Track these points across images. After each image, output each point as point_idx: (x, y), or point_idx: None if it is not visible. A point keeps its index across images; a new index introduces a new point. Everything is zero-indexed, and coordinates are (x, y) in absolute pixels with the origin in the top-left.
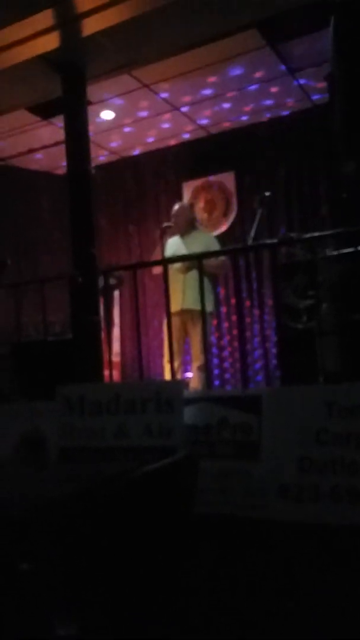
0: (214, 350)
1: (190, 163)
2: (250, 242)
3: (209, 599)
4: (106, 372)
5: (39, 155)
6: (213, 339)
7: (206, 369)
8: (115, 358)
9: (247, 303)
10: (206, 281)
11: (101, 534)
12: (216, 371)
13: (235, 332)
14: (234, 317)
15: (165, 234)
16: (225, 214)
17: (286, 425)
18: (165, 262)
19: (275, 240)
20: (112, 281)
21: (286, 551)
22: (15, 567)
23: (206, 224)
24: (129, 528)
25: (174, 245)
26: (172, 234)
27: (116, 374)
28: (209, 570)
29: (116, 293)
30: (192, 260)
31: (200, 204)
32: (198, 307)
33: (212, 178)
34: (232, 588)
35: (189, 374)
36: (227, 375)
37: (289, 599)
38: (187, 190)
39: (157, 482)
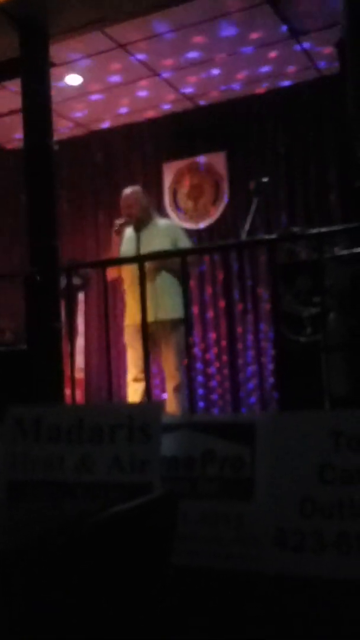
0: (198, 365)
1: (173, 140)
2: (244, 237)
3: None
4: (67, 391)
5: (18, 135)
6: (197, 351)
7: (186, 388)
8: (79, 374)
9: (240, 307)
10: (176, 284)
11: (58, 592)
12: (200, 391)
13: (224, 343)
14: (223, 324)
15: (119, 232)
16: (214, 202)
17: (285, 460)
18: (142, 259)
19: (274, 236)
20: (77, 281)
21: (285, 611)
22: None
23: (191, 214)
24: (92, 584)
25: (129, 241)
26: (128, 227)
27: (79, 394)
28: (191, 635)
29: (80, 295)
30: (165, 259)
31: (184, 190)
32: (172, 315)
33: (199, 159)
34: None
35: (165, 395)
36: (214, 396)
37: None
38: (169, 172)
39: (128, 527)
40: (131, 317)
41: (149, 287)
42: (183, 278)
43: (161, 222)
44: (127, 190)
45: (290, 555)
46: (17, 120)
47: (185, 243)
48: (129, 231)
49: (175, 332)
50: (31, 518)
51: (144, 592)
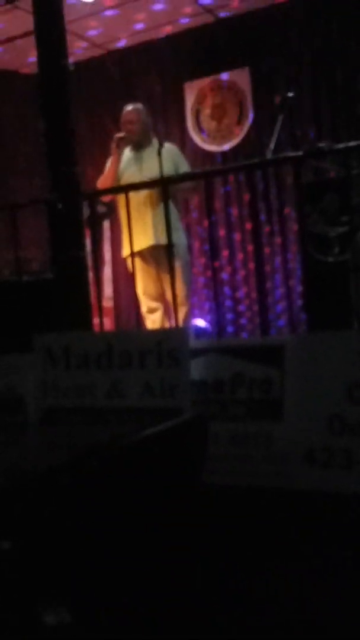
0: (226, 290)
1: (193, 57)
2: (269, 155)
3: (219, 583)
4: (96, 320)
5: (0, 50)
6: (224, 275)
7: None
8: (107, 303)
9: (267, 229)
10: (176, 211)
11: (93, 509)
12: (229, 315)
13: (251, 266)
14: (249, 248)
15: (119, 147)
16: (239, 122)
17: (314, 380)
18: (166, 182)
19: (300, 153)
20: (101, 209)
21: (313, 527)
22: None
23: (215, 135)
24: (126, 502)
25: (129, 162)
26: (125, 146)
27: (108, 323)
28: (221, 551)
29: (106, 224)
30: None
31: (206, 110)
32: (176, 240)
33: (221, 76)
34: (248, 572)
35: (199, 321)
36: (242, 321)
37: (315, 584)
38: (190, 92)
39: (159, 448)
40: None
41: (150, 212)
42: (207, 200)
43: (163, 145)
44: (129, 107)
45: (320, 471)
46: (30, 42)
47: (185, 168)
48: (127, 152)
49: (179, 257)
50: (64, 441)
51: (176, 510)
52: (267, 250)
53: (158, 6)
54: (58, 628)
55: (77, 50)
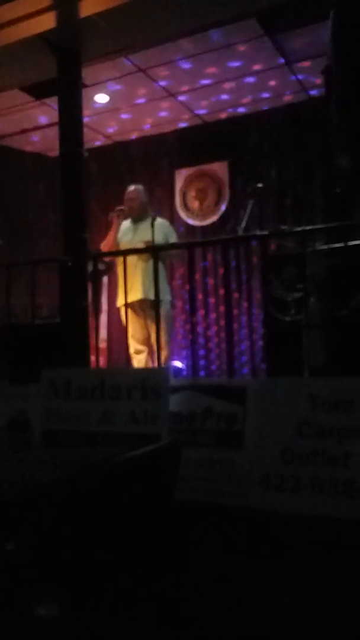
0: (201, 340)
1: (184, 151)
2: (240, 232)
3: (190, 576)
4: (93, 358)
5: (33, 137)
6: (200, 329)
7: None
8: (102, 344)
9: (236, 295)
10: (164, 271)
11: (87, 518)
12: (202, 362)
13: (222, 323)
14: (221, 308)
15: (118, 217)
16: (217, 204)
17: (270, 417)
18: (156, 249)
19: (266, 232)
20: (101, 266)
21: (265, 539)
22: (1, 547)
23: (197, 213)
24: (112, 512)
25: (128, 231)
26: (125, 218)
27: (102, 360)
28: (189, 555)
29: (104, 279)
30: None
31: (192, 193)
32: (161, 296)
33: (205, 167)
34: (212, 568)
35: (177, 363)
36: (213, 367)
37: (261, 582)
38: (180, 178)
39: (141, 467)
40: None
41: (140, 272)
42: (189, 266)
43: (156, 219)
44: (131, 187)
45: (273, 494)
46: (57, 132)
47: (174, 239)
48: (127, 223)
49: (163, 310)
50: (63, 459)
51: (153, 519)
52: (235, 311)
53: (163, 113)
54: (51, 621)
55: (96, 142)
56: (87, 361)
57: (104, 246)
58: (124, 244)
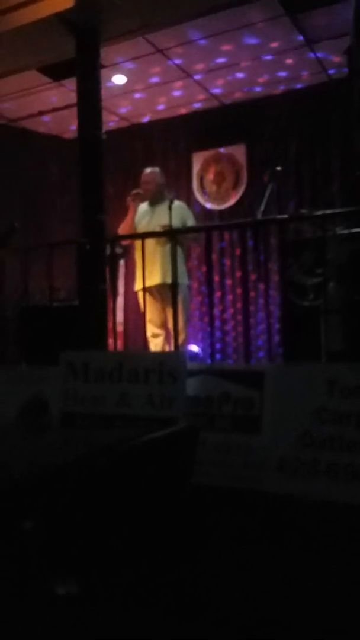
0: (217, 323)
1: (201, 133)
2: (259, 216)
3: (206, 562)
4: (110, 341)
5: (47, 118)
6: (216, 311)
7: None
8: (119, 327)
9: (253, 277)
10: (182, 255)
11: (102, 499)
12: (218, 345)
13: (239, 305)
14: (238, 290)
15: (134, 201)
16: (235, 187)
17: (288, 402)
18: (174, 232)
19: (285, 216)
20: (118, 250)
21: (281, 525)
22: (19, 526)
23: (214, 197)
24: (129, 494)
25: (144, 214)
26: (142, 201)
27: (119, 343)
28: (206, 538)
29: (121, 262)
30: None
31: (209, 176)
32: (179, 280)
33: (222, 150)
34: (228, 554)
35: (193, 347)
36: (229, 350)
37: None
38: (197, 160)
39: (157, 451)
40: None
41: (159, 256)
42: (207, 249)
43: (174, 202)
44: (147, 170)
45: (289, 479)
46: (72, 113)
47: (192, 222)
48: (144, 206)
49: (181, 294)
50: (81, 441)
51: (169, 503)
52: (252, 293)
53: (177, 93)
54: (68, 598)
55: (110, 122)
56: (105, 344)
57: (122, 230)
58: (141, 228)
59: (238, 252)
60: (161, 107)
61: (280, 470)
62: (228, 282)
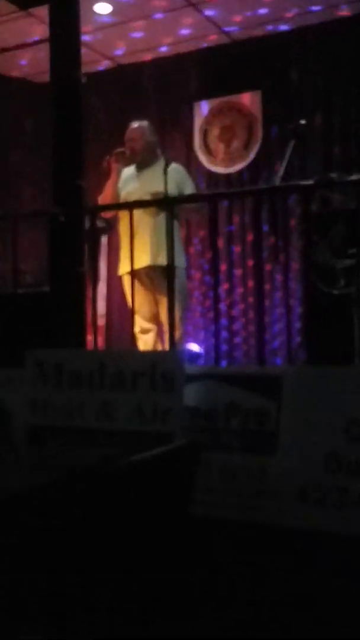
0: (223, 321)
1: (206, 76)
2: (277, 182)
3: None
4: (89, 337)
5: (23, 62)
6: (222, 307)
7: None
8: (100, 320)
9: (268, 267)
10: (178, 230)
11: (75, 534)
12: (223, 347)
13: (251, 300)
14: (250, 283)
15: (117, 162)
16: (247, 146)
17: (311, 414)
18: (171, 202)
19: (309, 182)
20: (100, 223)
21: (302, 566)
22: None
23: (222, 157)
24: (110, 529)
25: (130, 179)
26: (127, 164)
27: (100, 340)
28: (207, 584)
29: (103, 239)
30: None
31: (215, 131)
32: (173, 262)
33: (232, 98)
34: (235, 606)
35: (193, 346)
36: (237, 353)
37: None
38: (200, 112)
39: (148, 474)
40: (129, 263)
41: (149, 231)
42: (211, 225)
43: (163, 164)
44: (134, 124)
45: (312, 510)
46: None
47: (190, 189)
48: (129, 169)
49: (176, 280)
50: (49, 461)
51: (162, 540)
52: (267, 285)
53: (185, 31)
54: None
55: (99, 67)
56: (83, 341)
57: (102, 199)
58: (126, 196)
59: (250, 237)
60: (163, 48)
61: (302, 500)
62: (237, 272)
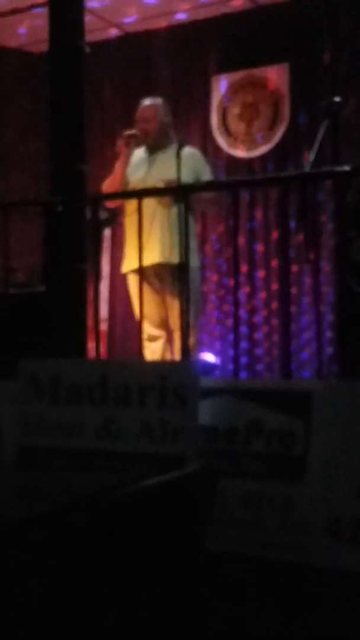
0: (243, 329)
1: (226, 47)
2: (308, 168)
3: None
4: (90, 345)
5: (21, 30)
6: (242, 313)
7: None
8: (102, 325)
9: (295, 268)
10: (193, 225)
11: (71, 570)
12: (243, 359)
13: (275, 306)
14: (274, 286)
15: (127, 145)
16: (272, 126)
17: (345, 436)
18: (185, 190)
19: (346, 168)
20: (103, 215)
21: (335, 611)
22: None
23: (243, 139)
24: (111, 566)
25: (141, 164)
26: (138, 146)
27: (103, 348)
28: (224, 630)
29: (106, 232)
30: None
31: (235, 109)
32: (188, 260)
33: (255, 72)
34: None
35: (209, 356)
36: (259, 366)
37: None
38: (219, 87)
39: (156, 505)
40: (135, 260)
41: (159, 224)
42: (233, 218)
43: (184, 147)
44: (146, 102)
45: (346, 547)
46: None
47: (207, 177)
48: (140, 152)
49: (190, 281)
50: (43, 488)
51: (172, 580)
52: (293, 290)
53: None
54: None
55: (108, 36)
56: (83, 349)
57: (108, 186)
58: (135, 183)
59: (275, 235)
60: (181, 15)
61: (333, 535)
62: (260, 274)
